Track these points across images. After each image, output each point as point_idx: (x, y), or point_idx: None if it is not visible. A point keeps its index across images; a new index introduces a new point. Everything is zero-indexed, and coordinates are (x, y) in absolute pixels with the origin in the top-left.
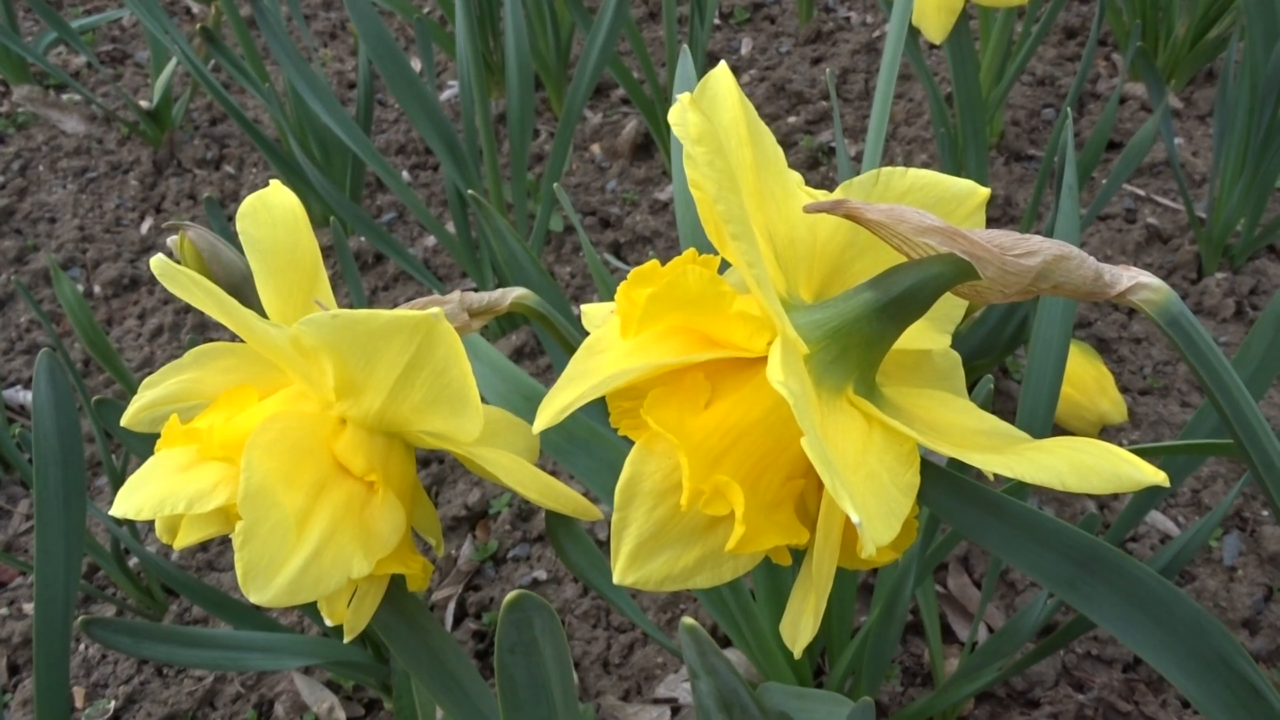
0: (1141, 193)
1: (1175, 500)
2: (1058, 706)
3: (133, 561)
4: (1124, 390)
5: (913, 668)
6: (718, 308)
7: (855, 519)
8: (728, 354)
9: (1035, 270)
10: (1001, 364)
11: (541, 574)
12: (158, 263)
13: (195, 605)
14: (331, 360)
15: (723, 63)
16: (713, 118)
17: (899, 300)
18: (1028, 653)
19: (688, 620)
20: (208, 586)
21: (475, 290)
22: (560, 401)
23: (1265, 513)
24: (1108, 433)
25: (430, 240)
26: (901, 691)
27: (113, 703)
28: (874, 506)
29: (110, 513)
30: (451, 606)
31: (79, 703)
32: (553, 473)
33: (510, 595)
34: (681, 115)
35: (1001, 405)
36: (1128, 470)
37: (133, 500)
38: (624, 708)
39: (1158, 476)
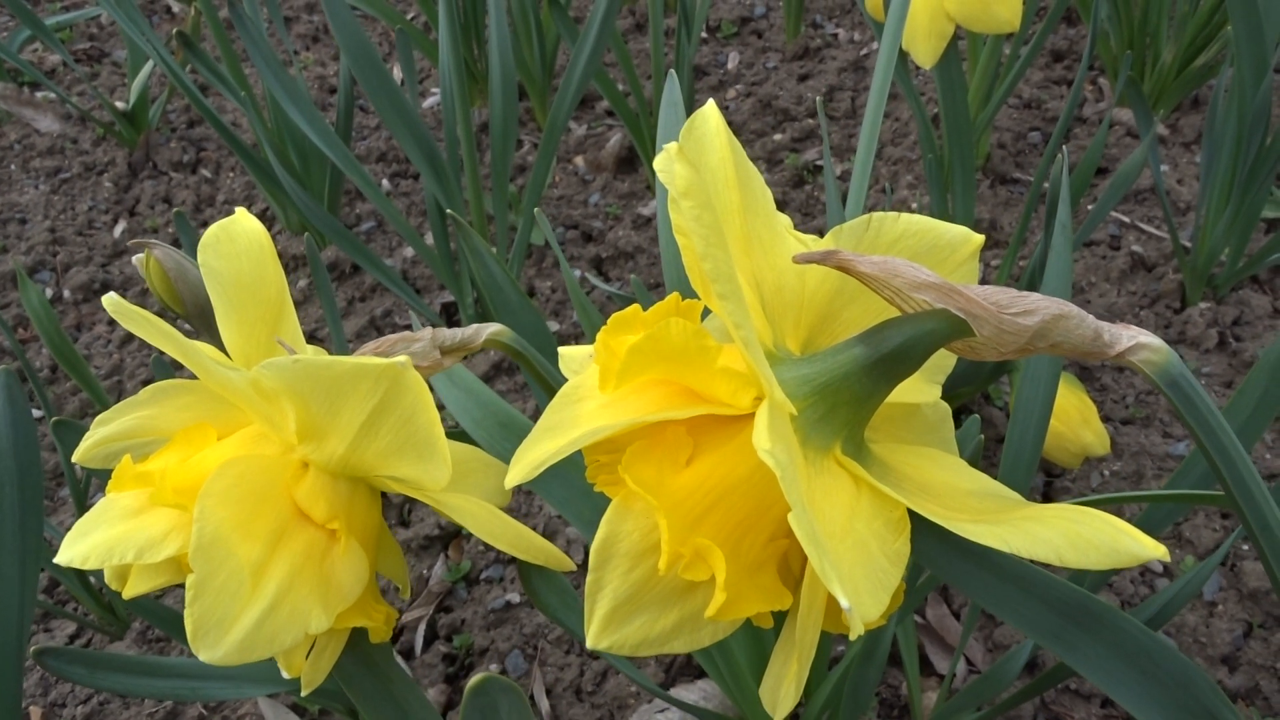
0: (1126, 219)
1: (1155, 535)
2: None
3: (94, 576)
4: (1106, 419)
5: (890, 699)
6: (701, 363)
7: (845, 604)
8: (710, 410)
9: (1033, 330)
10: (984, 391)
11: (514, 596)
12: (110, 301)
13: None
14: (293, 404)
15: (711, 102)
16: (699, 159)
17: (890, 357)
18: (1009, 695)
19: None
20: (167, 608)
21: (453, 303)
22: (535, 455)
23: (1246, 547)
24: (1089, 464)
25: (409, 251)
26: None
27: None
28: (863, 580)
29: (55, 560)
30: (422, 629)
31: None
32: (526, 493)
33: (474, 680)
34: (668, 165)
35: (985, 433)
36: (1127, 544)
37: (79, 548)
38: None
39: (1157, 551)
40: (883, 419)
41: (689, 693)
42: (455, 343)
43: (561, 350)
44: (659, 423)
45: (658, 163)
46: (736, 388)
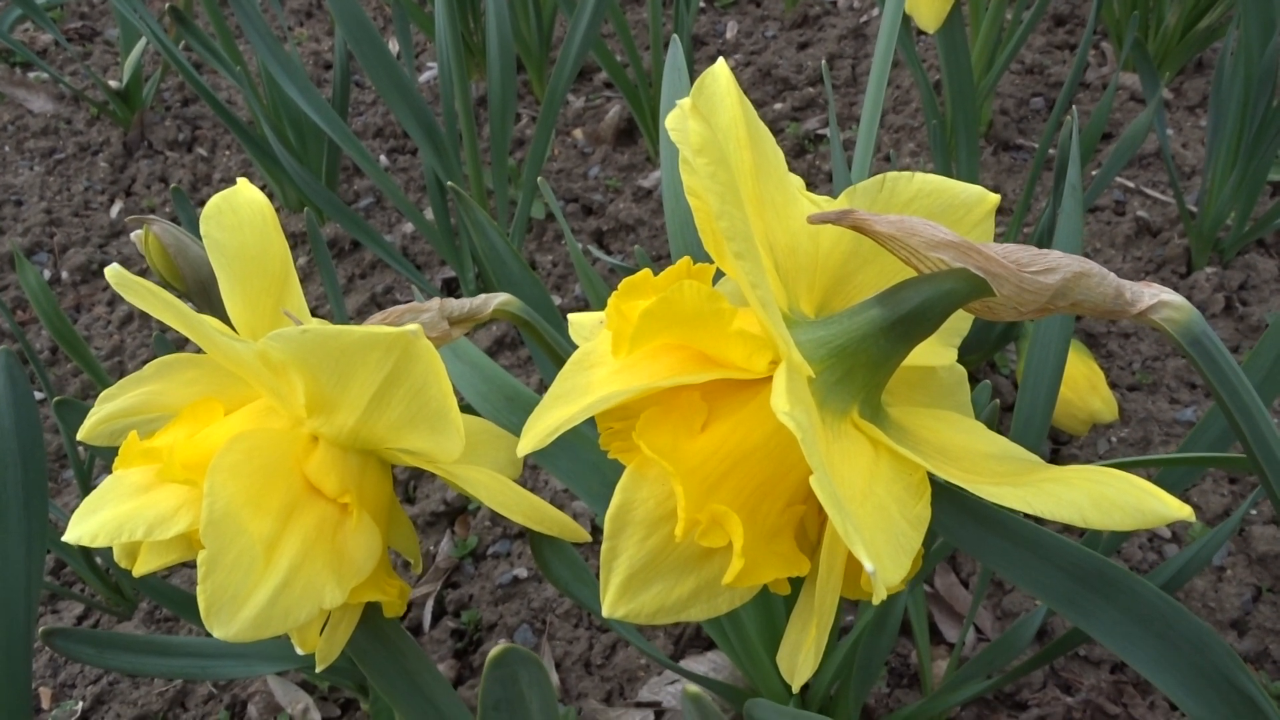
0: (1131, 184)
1: None
2: (1045, 709)
3: (100, 556)
4: (1113, 386)
5: (899, 668)
6: (716, 326)
7: (869, 567)
8: (725, 374)
9: (1054, 288)
10: (990, 359)
11: (522, 571)
12: (114, 273)
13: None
14: (302, 376)
15: (721, 60)
16: (710, 119)
17: (908, 318)
18: (1019, 663)
19: (691, 688)
20: (174, 588)
21: (454, 278)
22: (547, 423)
23: (1254, 512)
24: (1097, 430)
25: (408, 226)
26: (888, 693)
27: (80, 704)
28: (884, 545)
29: (64, 539)
30: (429, 605)
31: (45, 704)
32: (533, 468)
33: (494, 651)
34: (681, 122)
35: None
36: (1152, 504)
37: (87, 525)
38: (606, 711)
39: (1183, 511)
40: (898, 382)
41: (698, 664)
42: (464, 313)
43: (571, 317)
44: (673, 388)
45: (669, 120)
46: (752, 351)
